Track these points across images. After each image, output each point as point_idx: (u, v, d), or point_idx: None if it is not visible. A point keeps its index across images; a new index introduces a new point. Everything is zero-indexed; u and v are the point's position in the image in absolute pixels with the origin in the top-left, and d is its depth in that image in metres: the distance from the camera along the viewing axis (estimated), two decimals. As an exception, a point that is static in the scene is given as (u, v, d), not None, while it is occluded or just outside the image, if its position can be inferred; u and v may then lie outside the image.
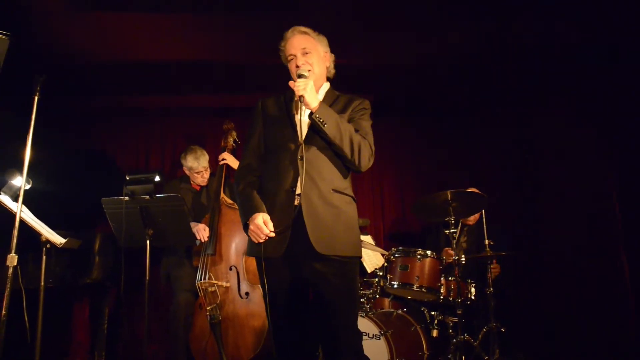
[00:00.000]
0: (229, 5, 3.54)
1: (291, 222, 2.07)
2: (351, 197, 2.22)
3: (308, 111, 2.13)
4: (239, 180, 2.28)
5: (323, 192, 2.10)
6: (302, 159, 2.07)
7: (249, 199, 2.17)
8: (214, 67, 4.43)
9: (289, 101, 2.27)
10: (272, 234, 2.08)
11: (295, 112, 2.20)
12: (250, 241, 2.18)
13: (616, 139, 3.74)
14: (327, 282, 2.08)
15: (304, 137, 2.13)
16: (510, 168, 4.85)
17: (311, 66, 2.22)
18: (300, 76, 2.14)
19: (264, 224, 2.07)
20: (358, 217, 2.29)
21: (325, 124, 2.07)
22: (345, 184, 2.21)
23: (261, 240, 2.08)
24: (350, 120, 2.22)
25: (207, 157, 4.01)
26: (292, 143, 2.14)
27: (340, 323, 2.09)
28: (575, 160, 4.09)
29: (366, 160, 2.17)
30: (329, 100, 2.26)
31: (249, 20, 3.67)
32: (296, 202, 2.08)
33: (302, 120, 2.15)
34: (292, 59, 2.25)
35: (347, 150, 2.11)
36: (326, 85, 2.37)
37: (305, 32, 2.28)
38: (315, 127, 2.12)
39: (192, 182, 4.07)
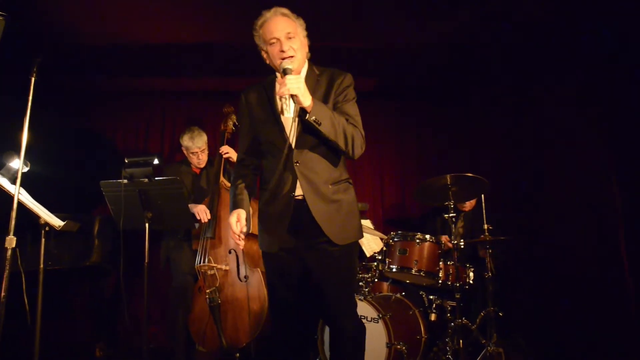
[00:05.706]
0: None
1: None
2: (347, 181, 2.26)
3: (295, 108, 2.08)
4: (234, 173, 2.39)
5: (322, 190, 2.16)
6: (297, 163, 2.14)
7: (234, 195, 2.28)
8: (215, 49, 4.39)
9: (272, 95, 2.22)
10: (238, 238, 2.16)
11: (280, 112, 2.10)
12: (258, 233, 2.28)
13: (617, 122, 3.72)
14: (333, 259, 2.16)
15: (294, 140, 2.13)
16: (510, 153, 4.83)
17: (295, 52, 2.13)
18: (285, 71, 2.05)
19: (235, 222, 2.15)
20: (357, 201, 2.32)
21: (320, 123, 2.04)
22: (339, 171, 2.24)
23: (236, 240, 2.17)
24: (336, 105, 2.19)
25: (204, 137, 3.98)
26: (284, 145, 2.14)
27: (342, 294, 2.22)
28: (576, 145, 4.07)
29: (359, 149, 2.19)
30: (312, 84, 2.18)
31: (249, 1, 3.62)
32: (295, 202, 2.15)
33: (290, 118, 2.11)
34: (274, 43, 2.14)
35: (341, 143, 2.11)
36: (305, 66, 2.27)
37: (286, 15, 2.18)
38: (310, 126, 2.07)
39: (192, 165, 4.06)
